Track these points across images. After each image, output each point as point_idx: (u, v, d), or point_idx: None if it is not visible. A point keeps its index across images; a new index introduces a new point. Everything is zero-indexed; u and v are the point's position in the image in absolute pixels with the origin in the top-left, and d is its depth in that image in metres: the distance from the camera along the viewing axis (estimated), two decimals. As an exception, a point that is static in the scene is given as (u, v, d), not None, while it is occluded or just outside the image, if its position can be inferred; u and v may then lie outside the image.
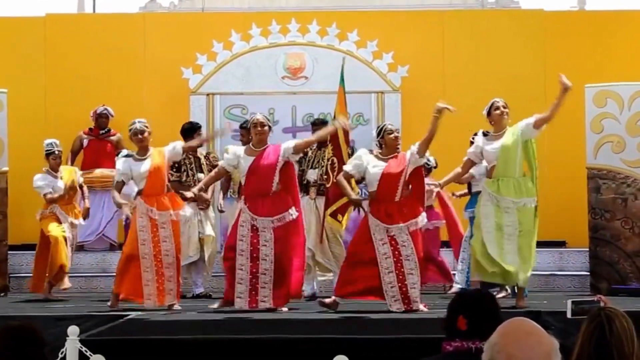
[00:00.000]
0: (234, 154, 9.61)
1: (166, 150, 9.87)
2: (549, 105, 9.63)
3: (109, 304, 9.71)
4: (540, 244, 11.89)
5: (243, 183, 9.70)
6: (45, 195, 11.10)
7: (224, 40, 12.99)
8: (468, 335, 3.64)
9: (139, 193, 9.76)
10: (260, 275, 9.36)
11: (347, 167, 9.57)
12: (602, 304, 4.53)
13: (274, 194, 9.45)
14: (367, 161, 9.41)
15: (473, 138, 11.10)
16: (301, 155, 10.95)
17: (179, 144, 10.06)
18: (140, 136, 9.79)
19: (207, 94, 12.98)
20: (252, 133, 9.66)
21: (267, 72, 13.00)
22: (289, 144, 9.66)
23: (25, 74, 13.22)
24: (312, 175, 11.11)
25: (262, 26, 13.06)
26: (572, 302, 4.93)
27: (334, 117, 11.05)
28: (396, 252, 9.21)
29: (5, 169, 11.83)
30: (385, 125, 9.69)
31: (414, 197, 9.42)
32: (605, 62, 13.07)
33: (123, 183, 9.90)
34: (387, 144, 9.49)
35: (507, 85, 13.16)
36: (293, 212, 9.45)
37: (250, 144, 9.65)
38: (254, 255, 9.36)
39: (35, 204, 13.02)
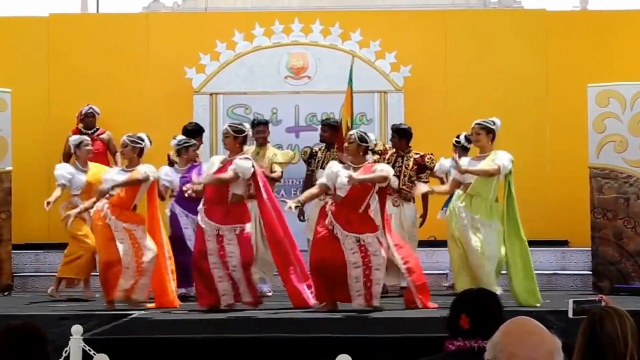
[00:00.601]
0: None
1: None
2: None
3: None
4: (542, 243, 12.00)
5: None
6: (58, 185, 10.98)
7: (227, 40, 13.00)
8: (470, 334, 3.64)
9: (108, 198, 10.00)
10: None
11: (322, 180, 9.63)
12: (603, 304, 4.53)
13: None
14: (337, 169, 9.47)
15: (457, 142, 11.20)
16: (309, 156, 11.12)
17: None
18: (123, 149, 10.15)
19: (210, 94, 12.99)
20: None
21: (270, 72, 13.01)
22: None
23: (28, 74, 13.23)
24: (321, 175, 11.13)
25: (265, 26, 13.07)
26: (574, 301, 4.93)
27: (340, 116, 11.10)
28: (363, 248, 9.27)
29: (9, 168, 11.85)
30: (352, 135, 9.66)
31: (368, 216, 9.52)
32: (607, 61, 13.07)
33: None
34: (349, 152, 9.61)
35: (509, 84, 13.19)
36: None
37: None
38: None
39: (38, 203, 13.06)
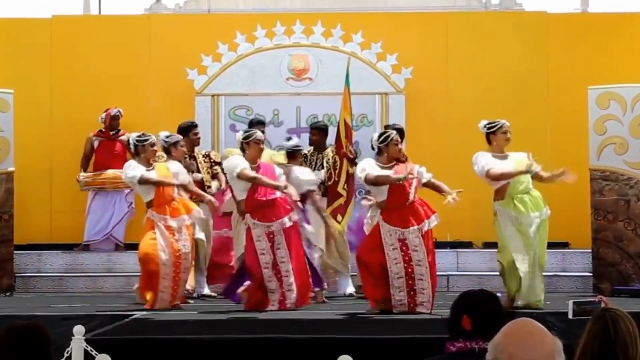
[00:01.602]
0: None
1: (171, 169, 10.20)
2: (550, 173, 9.78)
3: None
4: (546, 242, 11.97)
5: (244, 197, 9.81)
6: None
7: (228, 42, 13.02)
8: (471, 335, 3.65)
9: (149, 205, 9.97)
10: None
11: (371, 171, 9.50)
12: (603, 305, 4.55)
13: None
14: (373, 171, 9.43)
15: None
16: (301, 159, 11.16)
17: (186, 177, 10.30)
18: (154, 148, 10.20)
19: (212, 95, 13.01)
20: (253, 148, 9.96)
21: (272, 74, 13.02)
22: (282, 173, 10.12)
23: (31, 75, 13.25)
24: (318, 175, 11.17)
25: (266, 27, 13.09)
26: (574, 302, 4.94)
27: (339, 117, 11.12)
28: (407, 257, 9.25)
29: (12, 169, 11.87)
30: (391, 135, 9.64)
31: (423, 200, 9.51)
32: (608, 64, 13.09)
33: None
34: (390, 153, 9.52)
35: (510, 87, 13.20)
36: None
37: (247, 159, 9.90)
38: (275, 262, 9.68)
39: (41, 204, 13.10)
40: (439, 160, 11.54)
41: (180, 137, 10.80)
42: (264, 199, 9.67)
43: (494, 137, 9.66)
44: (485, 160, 9.55)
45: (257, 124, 11.43)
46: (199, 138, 11.53)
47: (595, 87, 11.61)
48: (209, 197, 10.65)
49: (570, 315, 4.93)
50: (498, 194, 9.61)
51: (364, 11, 13.93)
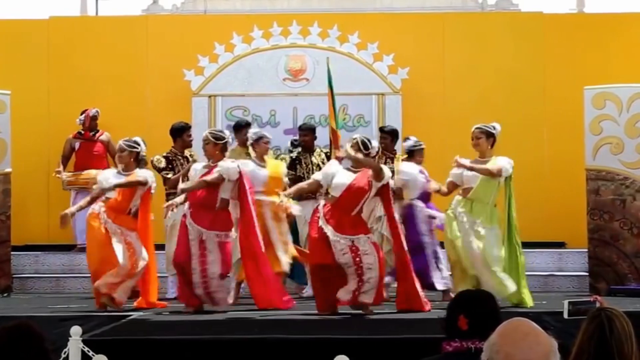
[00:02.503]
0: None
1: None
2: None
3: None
4: (539, 245, 12.03)
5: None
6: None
7: (225, 42, 13.04)
8: (468, 335, 3.66)
9: (105, 201, 10.04)
10: None
11: (316, 177, 9.71)
12: (598, 305, 4.56)
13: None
14: (336, 170, 9.48)
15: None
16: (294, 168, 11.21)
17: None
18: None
19: (209, 96, 13.02)
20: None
21: (269, 74, 13.04)
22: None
23: (28, 76, 13.26)
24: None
25: (263, 28, 13.11)
26: (569, 302, 4.97)
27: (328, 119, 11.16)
28: (354, 247, 9.22)
29: (9, 170, 11.88)
30: (355, 139, 9.60)
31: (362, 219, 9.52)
32: (604, 64, 13.11)
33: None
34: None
35: (506, 87, 13.23)
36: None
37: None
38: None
39: (38, 205, 13.11)
40: (436, 160, 11.54)
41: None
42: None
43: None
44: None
45: (245, 126, 11.49)
46: (191, 140, 11.53)
47: (591, 87, 11.63)
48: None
49: (565, 315, 4.95)
50: (463, 192, 9.84)
51: (360, 12, 13.95)
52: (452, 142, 12.02)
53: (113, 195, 10.02)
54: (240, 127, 11.52)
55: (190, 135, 11.46)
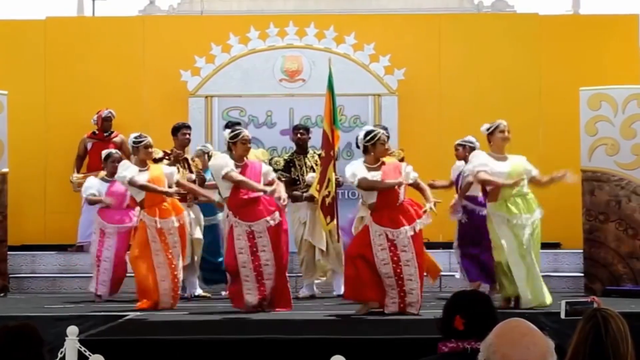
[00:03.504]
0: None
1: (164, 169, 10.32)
2: (548, 176, 9.94)
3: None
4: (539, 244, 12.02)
5: (228, 195, 9.78)
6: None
7: (222, 43, 13.05)
8: (465, 335, 3.66)
9: (141, 205, 10.02)
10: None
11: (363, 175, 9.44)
12: (595, 305, 4.57)
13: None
14: (363, 174, 9.35)
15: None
16: (287, 169, 11.20)
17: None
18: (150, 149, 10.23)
19: (206, 97, 13.04)
20: (240, 147, 9.83)
21: (265, 75, 13.06)
22: (270, 170, 10.07)
23: (25, 76, 13.27)
24: (312, 178, 11.20)
25: (260, 29, 13.13)
26: (566, 302, 4.96)
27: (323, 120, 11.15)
28: (395, 258, 9.20)
29: (5, 170, 11.88)
30: (378, 133, 9.52)
31: (412, 200, 9.50)
32: (599, 65, 13.15)
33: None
34: (377, 153, 9.44)
35: (502, 88, 13.26)
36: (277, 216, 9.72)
37: (234, 158, 9.80)
38: (256, 263, 9.56)
39: (35, 205, 13.13)
40: (432, 161, 11.58)
41: (149, 138, 10.66)
42: (246, 197, 9.62)
43: (492, 137, 9.74)
44: (479, 161, 9.61)
45: (233, 126, 11.47)
46: (187, 138, 11.54)
47: (587, 88, 11.65)
48: (205, 195, 10.73)
49: (562, 315, 4.94)
50: (491, 195, 9.67)
51: (356, 13, 13.99)
52: (448, 142, 12.02)
53: (143, 196, 10.04)
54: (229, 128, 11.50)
55: (185, 134, 11.48)
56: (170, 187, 10.14)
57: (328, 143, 10.47)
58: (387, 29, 13.46)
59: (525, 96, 13.28)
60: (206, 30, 13.42)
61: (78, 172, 12.75)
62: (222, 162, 9.72)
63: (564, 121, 12.74)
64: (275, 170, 11.34)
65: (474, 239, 10.65)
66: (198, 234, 11.26)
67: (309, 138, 11.66)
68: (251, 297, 9.52)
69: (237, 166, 9.69)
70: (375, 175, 9.33)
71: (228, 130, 10.11)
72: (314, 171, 11.25)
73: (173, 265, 9.95)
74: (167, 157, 11.21)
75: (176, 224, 10.06)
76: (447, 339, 3.72)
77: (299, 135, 11.58)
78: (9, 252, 11.99)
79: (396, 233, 9.21)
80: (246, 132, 9.98)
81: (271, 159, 11.68)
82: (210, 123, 12.88)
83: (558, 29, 13.57)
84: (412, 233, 9.24)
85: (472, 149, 10.72)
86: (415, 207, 9.40)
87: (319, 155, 11.39)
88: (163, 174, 10.23)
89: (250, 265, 9.52)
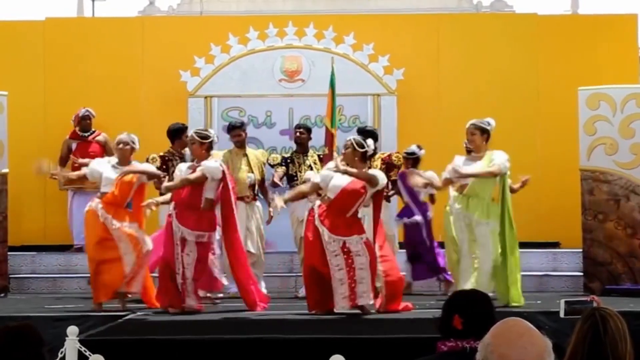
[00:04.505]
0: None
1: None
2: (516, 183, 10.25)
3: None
4: (534, 245, 12.07)
5: (212, 196, 9.86)
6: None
7: (221, 44, 13.05)
8: (463, 334, 3.66)
9: (101, 197, 10.06)
10: None
11: (316, 179, 9.70)
12: (594, 304, 4.57)
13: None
14: (333, 174, 9.48)
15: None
16: (283, 165, 11.23)
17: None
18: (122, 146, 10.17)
19: (205, 97, 13.04)
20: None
21: (264, 75, 13.05)
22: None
23: (25, 77, 13.27)
24: (310, 175, 11.22)
25: (259, 29, 13.13)
26: (565, 302, 4.97)
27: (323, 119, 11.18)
28: (346, 250, 9.25)
29: (5, 170, 11.90)
30: (349, 139, 9.65)
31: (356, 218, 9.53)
32: (598, 65, 13.16)
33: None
34: (344, 156, 9.56)
35: (501, 87, 13.27)
36: None
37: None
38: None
39: (35, 206, 13.13)
40: (430, 161, 11.59)
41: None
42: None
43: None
44: (453, 163, 9.90)
45: (233, 128, 11.49)
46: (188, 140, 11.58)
47: (585, 88, 11.67)
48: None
49: (561, 315, 4.95)
50: (459, 188, 9.88)
51: (355, 13, 13.99)
52: (446, 142, 12.05)
53: (109, 189, 10.03)
54: (234, 128, 11.52)
55: (187, 136, 11.50)
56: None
57: (331, 140, 10.60)
58: (386, 29, 13.47)
59: (523, 95, 13.29)
60: (205, 30, 13.42)
61: (58, 170, 12.70)
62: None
63: (562, 120, 12.75)
64: (272, 166, 11.44)
65: (416, 239, 11.37)
66: None
67: (310, 138, 11.68)
68: (190, 300, 9.64)
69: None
70: (339, 179, 9.39)
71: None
72: (312, 169, 11.29)
73: (139, 248, 9.97)
74: (164, 167, 11.14)
75: (127, 230, 9.98)
76: (445, 338, 3.73)
77: (298, 134, 11.64)
78: (9, 253, 11.99)
79: (331, 238, 9.28)
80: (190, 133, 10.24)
81: (269, 156, 11.75)
82: (210, 123, 12.88)
83: (557, 28, 13.58)
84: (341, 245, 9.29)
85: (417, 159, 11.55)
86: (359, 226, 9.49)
87: (319, 155, 11.43)
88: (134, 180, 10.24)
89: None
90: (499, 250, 9.71)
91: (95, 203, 10.02)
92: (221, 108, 13.09)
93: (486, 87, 13.25)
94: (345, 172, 9.37)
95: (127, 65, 13.39)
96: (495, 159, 9.76)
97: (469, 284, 9.40)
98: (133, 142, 10.16)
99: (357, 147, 9.49)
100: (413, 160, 11.58)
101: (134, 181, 10.06)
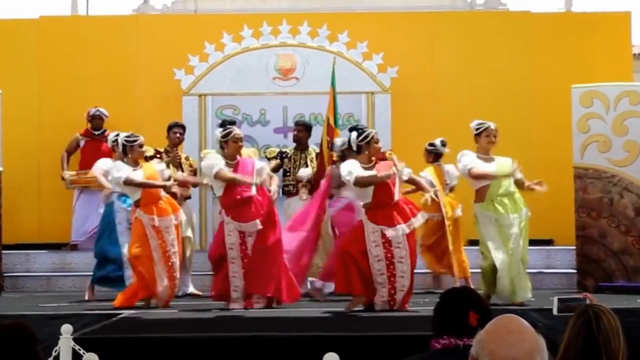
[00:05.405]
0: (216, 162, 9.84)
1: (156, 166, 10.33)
2: (529, 182, 10.05)
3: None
4: (527, 242, 12.04)
5: (221, 193, 9.82)
6: None
7: (215, 42, 13.07)
8: (461, 332, 3.67)
9: (137, 204, 10.02)
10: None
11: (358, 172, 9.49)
12: (588, 301, 4.59)
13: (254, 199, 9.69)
14: (359, 172, 9.40)
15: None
16: (278, 158, 11.23)
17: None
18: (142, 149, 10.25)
19: (199, 95, 13.06)
20: (231, 146, 9.83)
21: (259, 73, 13.07)
22: (264, 166, 10.05)
23: (19, 76, 13.27)
24: (304, 173, 11.24)
25: (253, 27, 13.15)
26: (558, 299, 4.98)
27: (326, 118, 11.20)
28: (389, 255, 9.28)
29: (0, 169, 11.91)
30: (370, 133, 9.64)
31: (408, 198, 9.59)
32: (591, 62, 13.19)
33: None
34: (370, 152, 9.53)
35: (495, 85, 13.29)
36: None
37: (225, 156, 9.82)
38: (245, 261, 9.58)
39: (29, 204, 13.13)
40: (425, 159, 11.61)
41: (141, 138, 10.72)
42: (239, 197, 9.66)
43: (478, 138, 9.84)
44: (469, 160, 9.70)
45: (230, 124, 11.51)
46: (178, 137, 11.62)
47: (579, 85, 11.69)
48: (197, 182, 10.80)
49: (555, 312, 4.96)
50: (478, 196, 9.77)
51: (349, 11, 13.99)
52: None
53: (139, 195, 10.05)
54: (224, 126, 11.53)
55: (176, 132, 11.56)
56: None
57: (332, 134, 10.67)
58: (380, 27, 13.49)
59: (518, 93, 13.31)
60: (200, 29, 13.43)
61: (66, 167, 12.72)
62: (212, 161, 9.77)
63: (556, 118, 12.77)
64: (269, 159, 11.47)
65: None
66: (189, 232, 11.31)
67: (309, 135, 11.69)
68: (236, 293, 9.63)
69: (228, 164, 9.72)
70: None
71: (220, 129, 10.09)
72: (307, 166, 11.31)
73: (170, 263, 9.98)
74: (157, 155, 11.24)
75: (174, 222, 10.09)
76: (439, 336, 3.72)
77: (295, 132, 11.68)
78: (3, 251, 12.00)
79: (391, 230, 9.27)
80: (237, 131, 10.00)
81: (267, 149, 11.83)
82: (204, 121, 12.91)
83: (550, 26, 13.61)
84: (407, 231, 9.31)
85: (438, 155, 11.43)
86: (410, 206, 9.47)
87: (317, 154, 11.46)
88: (157, 171, 10.26)
89: (239, 262, 9.60)
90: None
91: (138, 212, 10.04)
92: (215, 106, 13.11)
93: (480, 85, 13.27)
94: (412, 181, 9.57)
95: (122, 64, 13.40)
96: (507, 163, 9.79)
97: (525, 288, 9.53)
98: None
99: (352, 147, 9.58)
100: (434, 154, 11.50)
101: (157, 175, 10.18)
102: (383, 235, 9.28)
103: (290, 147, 11.96)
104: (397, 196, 9.41)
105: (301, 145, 11.61)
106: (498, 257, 9.53)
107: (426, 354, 3.74)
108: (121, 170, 10.09)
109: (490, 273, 9.60)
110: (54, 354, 6.78)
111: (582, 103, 11.53)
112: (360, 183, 9.36)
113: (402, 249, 9.29)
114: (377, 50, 13.04)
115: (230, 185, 9.64)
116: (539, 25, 13.54)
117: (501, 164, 9.76)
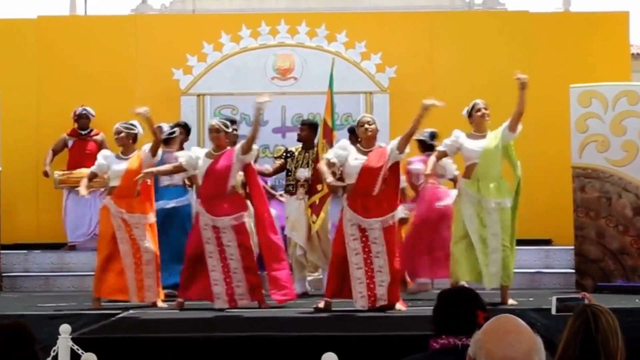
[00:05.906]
0: (195, 155, 9.84)
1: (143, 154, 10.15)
2: (514, 106, 9.76)
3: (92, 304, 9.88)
4: (526, 242, 12.06)
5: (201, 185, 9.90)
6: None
7: (214, 42, 13.08)
8: (461, 332, 3.66)
9: (110, 192, 9.99)
10: (233, 275, 9.64)
11: (329, 155, 9.61)
12: (586, 301, 4.60)
13: (229, 195, 9.69)
14: (349, 152, 9.47)
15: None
16: (283, 158, 11.22)
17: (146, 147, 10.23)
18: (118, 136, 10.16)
19: (198, 95, 13.07)
20: (210, 138, 9.94)
21: (257, 73, 13.08)
22: (237, 146, 9.94)
23: (17, 76, 13.28)
24: (302, 173, 11.24)
25: (251, 27, 13.16)
26: (557, 299, 4.98)
27: (323, 119, 11.20)
28: (366, 249, 9.29)
29: (-2, 168, 11.94)
30: (362, 116, 9.73)
31: (391, 191, 9.52)
32: (589, 62, 13.19)
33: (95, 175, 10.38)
34: (360, 136, 9.59)
35: (493, 85, 13.26)
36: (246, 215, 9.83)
37: (211, 148, 9.92)
38: (222, 255, 9.61)
39: (27, 204, 13.13)
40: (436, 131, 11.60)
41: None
42: (214, 191, 9.72)
43: (471, 119, 9.90)
44: (445, 142, 9.91)
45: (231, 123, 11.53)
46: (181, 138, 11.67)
47: (577, 85, 11.69)
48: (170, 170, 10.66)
49: (553, 312, 4.97)
50: (466, 172, 9.79)
51: (348, 11, 14.00)
52: (439, 139, 12.06)
53: (117, 183, 9.99)
54: None
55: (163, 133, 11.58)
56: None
57: (329, 135, 10.67)
58: (378, 27, 13.50)
59: (515, 93, 13.25)
60: (198, 28, 13.44)
61: (49, 163, 12.70)
62: (190, 152, 9.92)
63: (554, 118, 12.77)
64: (276, 158, 11.52)
65: None
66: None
67: (314, 134, 11.69)
68: (218, 288, 9.64)
69: (212, 156, 9.82)
70: (357, 159, 9.38)
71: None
72: (308, 166, 11.32)
73: (138, 255, 9.93)
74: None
75: (143, 222, 9.99)
76: (437, 335, 3.73)
77: (299, 131, 11.67)
78: (1, 251, 12.01)
79: (367, 223, 9.27)
80: (213, 121, 10.11)
81: (264, 149, 11.88)
82: (203, 121, 12.91)
83: (548, 26, 13.61)
84: (383, 225, 9.28)
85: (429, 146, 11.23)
86: (389, 201, 9.43)
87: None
88: (141, 161, 10.14)
89: (217, 255, 9.64)
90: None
91: (107, 200, 10.00)
92: (214, 106, 13.11)
93: (479, 85, 13.25)
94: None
95: (120, 63, 13.40)
96: (499, 134, 9.78)
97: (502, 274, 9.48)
98: (128, 129, 10.14)
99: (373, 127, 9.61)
100: (424, 145, 11.42)
101: (140, 170, 9.97)
102: (360, 228, 9.27)
103: (297, 146, 11.97)
104: (377, 189, 9.37)
105: (307, 144, 11.59)
106: (473, 239, 9.53)
107: (425, 353, 3.75)
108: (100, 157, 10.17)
109: (461, 255, 9.57)
110: (52, 353, 6.77)
111: (581, 103, 11.54)
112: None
113: (378, 244, 9.29)
114: (376, 50, 13.05)
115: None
116: (537, 25, 13.55)
117: (490, 140, 9.74)
